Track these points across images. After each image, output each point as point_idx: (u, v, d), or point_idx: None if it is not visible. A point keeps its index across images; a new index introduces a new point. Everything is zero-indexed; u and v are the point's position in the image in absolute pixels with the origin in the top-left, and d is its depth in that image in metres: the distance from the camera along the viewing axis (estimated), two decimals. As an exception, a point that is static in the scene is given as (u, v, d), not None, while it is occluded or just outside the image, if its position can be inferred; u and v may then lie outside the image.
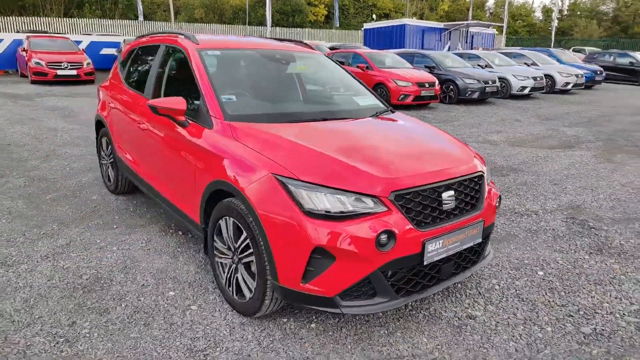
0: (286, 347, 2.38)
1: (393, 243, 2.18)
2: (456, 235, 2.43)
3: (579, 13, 53.64)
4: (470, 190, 2.59)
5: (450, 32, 25.67)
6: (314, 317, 2.65)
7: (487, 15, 55.79)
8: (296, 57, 3.78)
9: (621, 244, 3.82)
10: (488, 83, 12.74)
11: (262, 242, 2.31)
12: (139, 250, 3.46)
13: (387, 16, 49.31)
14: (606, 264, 3.45)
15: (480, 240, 2.62)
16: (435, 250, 2.34)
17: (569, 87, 16.09)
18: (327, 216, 2.16)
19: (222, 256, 2.73)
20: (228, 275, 2.69)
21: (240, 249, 2.52)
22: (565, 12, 55.65)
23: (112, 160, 4.50)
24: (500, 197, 2.86)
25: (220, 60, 3.28)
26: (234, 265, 2.63)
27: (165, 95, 3.52)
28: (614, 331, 2.60)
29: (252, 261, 2.45)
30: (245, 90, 3.21)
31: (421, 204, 2.33)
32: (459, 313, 2.74)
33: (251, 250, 2.42)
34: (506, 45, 36.48)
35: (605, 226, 4.20)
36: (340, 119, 3.07)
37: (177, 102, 2.88)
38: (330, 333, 2.52)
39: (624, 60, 21.73)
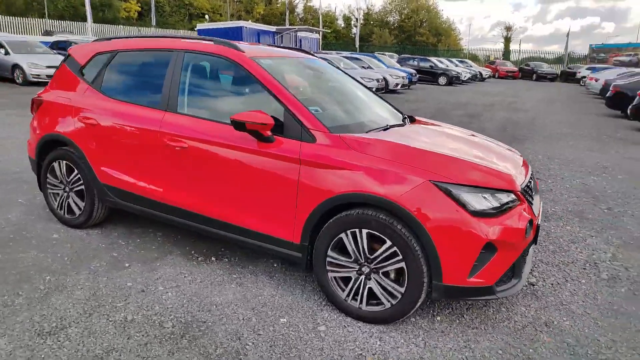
0: (441, 341, 2.55)
1: (531, 229, 2.57)
2: (540, 216, 2.95)
3: (372, 22, 61.51)
4: (532, 178, 3.14)
5: (282, 35, 26.84)
6: (431, 310, 2.85)
7: (297, 20, 59.55)
8: (324, 66, 3.79)
9: (553, 210, 4.95)
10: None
11: (417, 247, 2.43)
12: (192, 284, 3.06)
13: (204, 16, 48.39)
14: (564, 229, 4.45)
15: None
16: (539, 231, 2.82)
17: (398, 87, 18.71)
18: (486, 213, 2.42)
19: (342, 270, 2.70)
20: (353, 288, 2.67)
21: (379, 259, 2.56)
22: (362, 21, 63.16)
23: (80, 187, 3.72)
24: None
25: (275, 69, 3.11)
26: (361, 277, 2.64)
27: (198, 109, 3.17)
28: (617, 275, 3.48)
29: (398, 268, 2.52)
30: (309, 101, 3.14)
31: (526, 194, 2.77)
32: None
33: (399, 258, 2.49)
34: (321, 49, 39.71)
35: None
36: (400, 126, 3.29)
37: (264, 117, 2.69)
38: (457, 321, 2.76)
39: (425, 64, 26.15)
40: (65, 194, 3.85)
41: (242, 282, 3.13)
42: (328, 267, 2.73)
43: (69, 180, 3.79)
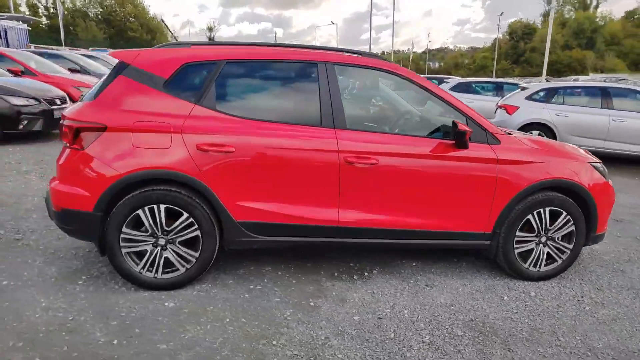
0: (586, 287, 3.57)
1: None
2: None
3: (65, 13, 53.90)
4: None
5: (-18, 24, 20.81)
6: (549, 261, 3.82)
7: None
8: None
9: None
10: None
11: (579, 212, 3.35)
12: (401, 298, 3.06)
13: None
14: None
15: None
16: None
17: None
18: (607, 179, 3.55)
19: (527, 244, 3.34)
20: (534, 256, 3.37)
21: (557, 227, 3.34)
22: (52, 10, 54.48)
23: (191, 234, 2.89)
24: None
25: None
26: (540, 246, 3.37)
27: (373, 123, 3.11)
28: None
29: (569, 232, 3.37)
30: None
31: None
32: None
33: (571, 223, 3.34)
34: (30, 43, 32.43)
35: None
36: None
37: (466, 125, 3.05)
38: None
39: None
40: (158, 248, 2.90)
41: (428, 283, 3.31)
42: (516, 245, 3.33)
43: (170, 229, 2.87)
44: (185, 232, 2.91)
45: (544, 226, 3.34)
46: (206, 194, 2.86)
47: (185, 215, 2.88)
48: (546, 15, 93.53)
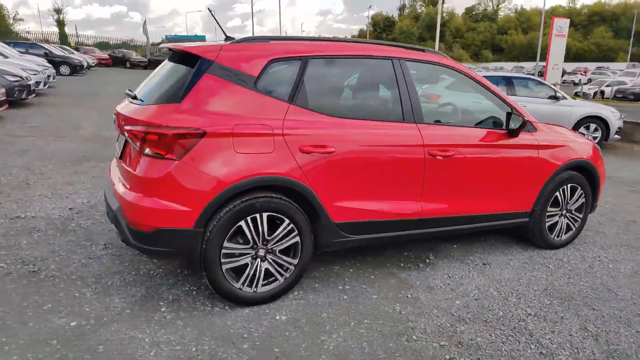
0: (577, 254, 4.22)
1: None
2: None
3: None
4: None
5: None
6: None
7: None
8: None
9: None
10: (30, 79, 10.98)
11: (588, 186, 3.94)
12: (478, 279, 3.28)
13: None
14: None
15: None
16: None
17: (41, 86, 15.65)
18: None
19: (554, 217, 3.82)
20: (559, 227, 3.87)
21: (574, 200, 3.88)
22: None
23: (290, 241, 2.73)
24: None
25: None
26: (562, 218, 3.89)
27: (443, 116, 3.25)
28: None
29: (582, 203, 3.94)
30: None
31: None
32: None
33: (583, 196, 3.91)
34: None
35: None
36: None
37: None
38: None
39: (38, 51, 22.25)
40: (258, 260, 2.68)
41: (484, 262, 3.59)
42: (547, 220, 3.79)
43: (271, 238, 2.67)
44: (285, 239, 2.74)
45: (565, 200, 3.85)
46: (308, 197, 2.72)
47: (287, 221, 2.70)
48: (402, 9, 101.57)
